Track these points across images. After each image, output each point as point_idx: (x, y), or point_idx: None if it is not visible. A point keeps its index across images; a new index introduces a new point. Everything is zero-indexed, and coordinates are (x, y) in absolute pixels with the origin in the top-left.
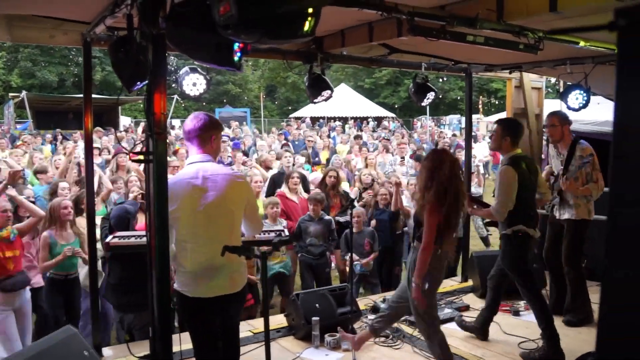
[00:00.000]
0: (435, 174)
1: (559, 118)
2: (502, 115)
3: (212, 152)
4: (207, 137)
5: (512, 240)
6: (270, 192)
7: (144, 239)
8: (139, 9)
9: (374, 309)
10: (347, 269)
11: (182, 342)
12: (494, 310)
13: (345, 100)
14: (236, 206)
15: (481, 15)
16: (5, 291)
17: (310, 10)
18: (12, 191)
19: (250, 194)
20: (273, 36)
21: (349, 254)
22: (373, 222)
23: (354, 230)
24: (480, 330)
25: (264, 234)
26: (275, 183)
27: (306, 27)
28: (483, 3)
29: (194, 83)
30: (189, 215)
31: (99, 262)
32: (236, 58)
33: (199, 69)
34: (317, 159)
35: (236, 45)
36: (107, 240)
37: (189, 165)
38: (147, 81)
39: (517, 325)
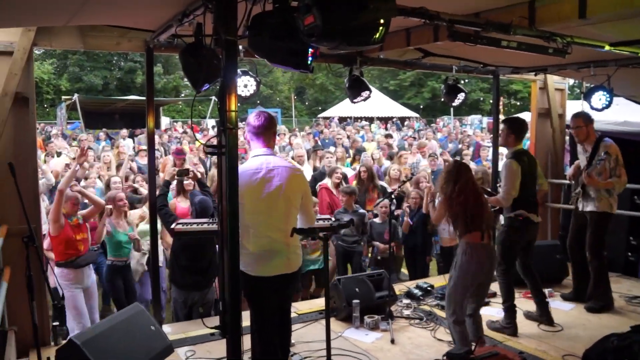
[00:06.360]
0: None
1: (584, 119)
2: (525, 115)
3: (272, 147)
4: (271, 133)
5: (513, 223)
6: (312, 191)
7: (205, 225)
8: (215, 18)
9: (409, 294)
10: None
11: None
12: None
13: (371, 100)
14: (294, 196)
15: (514, 22)
16: (79, 267)
17: (382, 21)
18: (78, 187)
19: (307, 186)
20: (350, 43)
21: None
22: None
23: (378, 220)
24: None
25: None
26: (316, 181)
27: (377, 35)
28: (515, 11)
29: (245, 85)
30: (253, 203)
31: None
32: (309, 62)
33: (249, 72)
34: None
35: (309, 51)
36: (172, 226)
37: (254, 158)
38: (209, 84)
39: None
